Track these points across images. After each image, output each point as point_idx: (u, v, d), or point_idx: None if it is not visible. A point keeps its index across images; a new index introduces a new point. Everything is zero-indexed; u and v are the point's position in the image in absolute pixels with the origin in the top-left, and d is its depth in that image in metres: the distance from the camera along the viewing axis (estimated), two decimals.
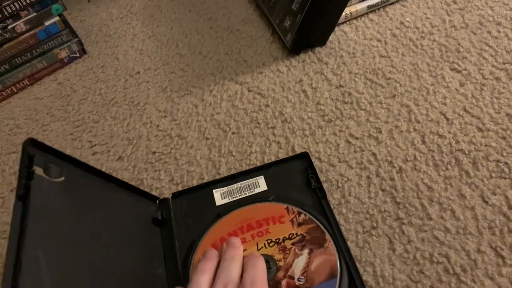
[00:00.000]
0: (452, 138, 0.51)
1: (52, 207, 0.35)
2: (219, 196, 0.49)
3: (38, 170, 0.35)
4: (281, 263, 0.41)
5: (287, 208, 0.45)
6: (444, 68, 0.58)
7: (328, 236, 0.43)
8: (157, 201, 0.49)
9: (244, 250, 0.43)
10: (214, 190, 0.49)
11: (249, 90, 0.62)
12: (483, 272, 0.41)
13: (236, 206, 0.47)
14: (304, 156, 0.51)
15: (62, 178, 0.37)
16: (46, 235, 0.33)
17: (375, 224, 0.46)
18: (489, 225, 0.44)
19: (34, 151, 0.36)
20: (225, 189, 0.49)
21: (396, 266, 0.43)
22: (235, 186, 0.50)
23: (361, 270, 0.43)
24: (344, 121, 0.55)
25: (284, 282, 0.40)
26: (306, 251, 0.42)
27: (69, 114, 0.65)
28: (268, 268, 0.41)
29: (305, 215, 0.44)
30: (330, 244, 0.42)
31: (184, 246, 0.45)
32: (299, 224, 0.44)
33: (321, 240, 0.42)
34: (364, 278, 0.42)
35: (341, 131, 0.54)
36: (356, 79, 0.59)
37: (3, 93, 0.69)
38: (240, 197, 0.48)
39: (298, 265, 0.41)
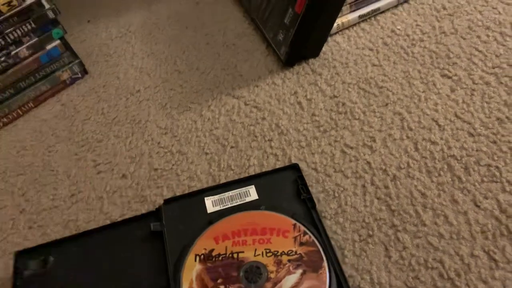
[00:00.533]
0: (444, 144, 0.52)
1: None
2: (211, 204, 0.51)
3: (27, 274, 0.48)
4: (272, 275, 0.43)
5: (294, 225, 0.47)
6: (435, 74, 0.59)
7: (325, 263, 0.43)
8: (155, 210, 0.51)
9: (242, 252, 0.45)
10: (205, 198, 0.51)
11: (245, 104, 0.64)
12: (477, 276, 0.42)
13: (226, 214, 0.49)
14: (294, 168, 0.52)
15: (52, 260, 0.49)
16: None
17: (371, 232, 0.47)
18: (482, 229, 0.45)
19: (21, 260, 0.49)
20: (216, 197, 0.51)
21: (392, 273, 0.44)
22: (226, 194, 0.51)
23: (358, 278, 0.44)
24: (338, 131, 0.57)
25: None
26: (299, 271, 0.43)
27: (73, 134, 0.67)
28: (259, 274, 0.43)
29: (309, 237, 0.46)
30: (324, 272, 0.43)
31: (176, 251, 0.47)
32: (301, 244, 0.45)
33: (317, 265, 0.43)
34: (361, 286, 0.44)
35: (336, 141, 0.56)
36: (350, 89, 0.61)
37: (9, 116, 0.71)
38: (231, 205, 0.50)
39: (288, 283, 0.42)
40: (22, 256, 0.49)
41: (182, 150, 0.61)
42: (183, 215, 0.50)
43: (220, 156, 0.58)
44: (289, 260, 0.44)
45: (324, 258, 0.44)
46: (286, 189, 0.51)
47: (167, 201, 0.52)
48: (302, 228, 0.46)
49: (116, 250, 0.48)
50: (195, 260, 0.45)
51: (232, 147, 0.59)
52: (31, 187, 0.62)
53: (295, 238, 0.46)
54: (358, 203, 0.50)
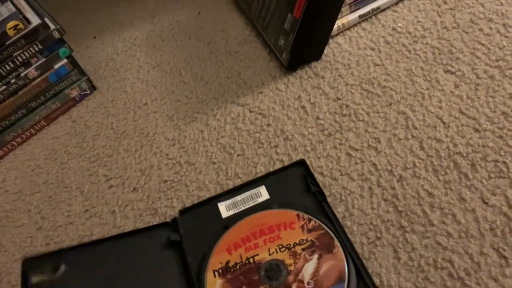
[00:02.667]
0: (450, 141, 0.52)
1: None
2: (224, 209, 0.52)
3: (35, 280, 0.44)
4: (292, 268, 0.44)
5: (297, 215, 0.48)
6: (438, 71, 0.59)
7: (336, 242, 0.45)
8: (170, 222, 0.53)
9: (256, 255, 0.46)
10: (219, 204, 0.53)
11: (250, 111, 0.64)
12: (487, 274, 0.42)
13: (241, 217, 0.50)
14: (301, 163, 0.53)
15: (63, 269, 0.45)
16: None
17: (379, 235, 0.47)
18: (491, 226, 0.45)
19: (30, 266, 0.45)
20: (229, 201, 0.52)
21: (402, 274, 0.44)
22: (238, 197, 0.53)
23: None
24: (343, 133, 0.57)
25: (294, 286, 0.43)
26: (315, 256, 0.45)
27: (84, 150, 0.69)
28: (279, 270, 0.44)
29: (315, 221, 0.47)
30: (338, 250, 0.44)
31: (196, 260, 0.48)
32: (309, 231, 0.47)
33: (330, 246, 0.45)
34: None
35: (341, 144, 0.56)
36: (353, 91, 0.61)
37: (23, 136, 0.74)
38: (245, 207, 0.51)
39: (308, 270, 0.43)
40: (30, 262, 0.47)
41: (190, 160, 0.62)
42: (199, 224, 0.52)
43: (228, 165, 0.59)
44: (303, 249, 0.45)
45: (334, 237, 0.45)
46: (295, 185, 0.52)
47: (182, 212, 0.53)
48: (306, 216, 0.48)
49: (130, 260, 0.49)
50: (215, 276, 0.46)
51: (238, 155, 0.60)
52: (47, 204, 0.64)
53: (302, 227, 0.47)
54: (365, 206, 0.50)
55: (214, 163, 0.60)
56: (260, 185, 0.53)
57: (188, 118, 0.67)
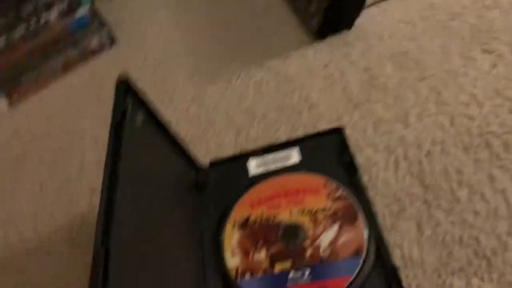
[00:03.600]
0: (483, 120, 0.50)
1: (129, 148, 0.37)
2: (254, 166, 0.50)
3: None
4: (310, 233, 0.43)
5: (325, 181, 0.46)
6: (475, 49, 0.57)
7: (360, 215, 0.43)
8: (197, 168, 0.51)
9: (278, 214, 0.45)
10: (250, 159, 0.51)
11: (275, 76, 0.62)
12: None
13: (269, 176, 0.49)
14: (338, 131, 0.51)
15: (140, 120, 0.39)
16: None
17: (402, 208, 0.46)
18: None
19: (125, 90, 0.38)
20: (259, 159, 0.51)
21: (425, 248, 0.43)
22: (269, 156, 0.51)
23: None
24: (371, 105, 0.55)
25: (309, 251, 0.42)
26: (336, 225, 0.43)
27: (101, 102, 0.67)
28: (297, 233, 0.43)
29: (342, 191, 0.45)
30: (361, 224, 0.43)
31: (218, 211, 0.47)
32: (334, 199, 0.45)
33: (352, 218, 0.43)
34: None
35: (368, 115, 0.54)
36: (384, 62, 0.59)
37: (40, 82, 0.72)
38: (274, 167, 0.50)
39: (326, 238, 0.42)
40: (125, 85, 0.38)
41: (210, 119, 0.60)
42: (227, 177, 0.50)
43: (249, 128, 0.58)
44: (325, 217, 0.44)
45: (359, 209, 0.44)
46: (329, 153, 0.50)
47: (212, 163, 0.52)
48: (334, 184, 0.46)
49: (166, 169, 0.44)
50: (234, 227, 0.45)
51: (260, 119, 0.58)
52: (59, 152, 0.63)
53: (328, 194, 0.45)
54: (389, 178, 0.48)
55: (234, 124, 0.58)
56: (293, 147, 0.51)
57: (210, 77, 0.65)
